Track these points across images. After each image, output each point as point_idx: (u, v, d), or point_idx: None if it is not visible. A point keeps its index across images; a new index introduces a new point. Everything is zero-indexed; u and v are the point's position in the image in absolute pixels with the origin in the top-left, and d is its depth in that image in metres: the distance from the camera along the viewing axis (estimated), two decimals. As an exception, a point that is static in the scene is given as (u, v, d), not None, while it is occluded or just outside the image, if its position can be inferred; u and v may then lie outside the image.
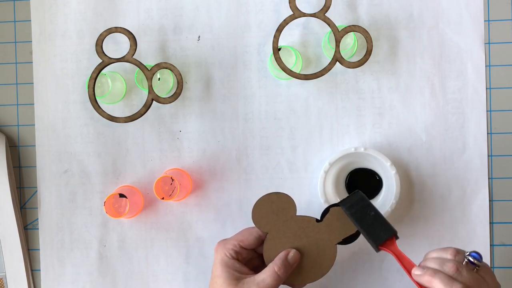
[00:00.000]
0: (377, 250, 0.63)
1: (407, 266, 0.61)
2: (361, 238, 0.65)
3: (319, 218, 0.67)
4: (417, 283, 0.59)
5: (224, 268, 0.65)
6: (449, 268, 0.58)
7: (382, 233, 0.62)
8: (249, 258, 0.68)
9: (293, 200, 0.67)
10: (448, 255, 0.60)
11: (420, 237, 0.75)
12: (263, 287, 0.63)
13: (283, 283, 0.66)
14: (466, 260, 0.59)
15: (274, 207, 0.67)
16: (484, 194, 0.75)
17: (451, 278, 0.57)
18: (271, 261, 0.65)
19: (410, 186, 0.75)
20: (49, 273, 0.78)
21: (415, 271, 0.59)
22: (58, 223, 0.78)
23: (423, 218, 0.75)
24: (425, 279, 0.58)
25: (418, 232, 0.75)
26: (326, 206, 0.68)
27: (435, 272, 0.58)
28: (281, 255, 0.65)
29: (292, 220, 0.66)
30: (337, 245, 0.66)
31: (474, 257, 0.59)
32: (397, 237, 0.63)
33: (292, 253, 0.66)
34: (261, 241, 0.67)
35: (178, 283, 0.77)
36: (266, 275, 0.64)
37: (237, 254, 0.66)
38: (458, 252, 0.60)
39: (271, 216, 0.66)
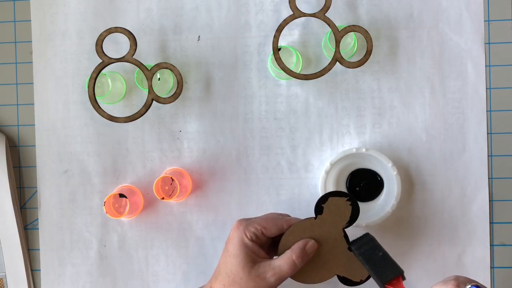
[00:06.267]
0: None
1: None
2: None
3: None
4: None
5: (243, 249, 0.64)
6: None
7: (388, 272, 0.62)
8: (264, 243, 0.66)
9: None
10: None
11: (420, 237, 0.75)
12: (279, 273, 0.63)
13: (293, 278, 0.66)
14: None
15: (340, 209, 0.67)
16: (484, 194, 0.75)
17: None
18: (283, 252, 0.65)
19: (410, 187, 0.75)
20: (49, 273, 0.78)
21: None
22: (58, 223, 0.78)
23: (423, 218, 0.75)
24: None
25: (418, 232, 0.75)
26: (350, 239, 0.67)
27: None
28: (300, 244, 0.65)
29: (335, 230, 0.67)
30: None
31: None
32: (403, 278, 0.62)
33: (311, 243, 0.65)
34: (282, 232, 0.66)
35: (178, 283, 0.77)
36: (283, 261, 0.63)
37: (257, 238, 0.65)
38: (459, 285, 0.58)
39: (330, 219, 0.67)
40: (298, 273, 0.66)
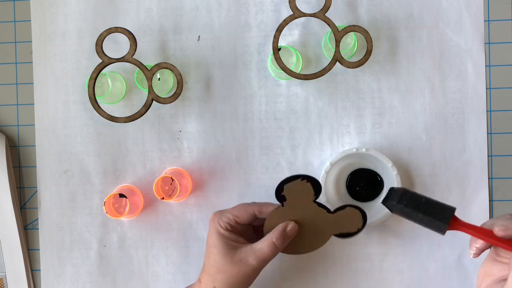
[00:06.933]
0: (444, 232, 0.61)
1: (483, 233, 0.59)
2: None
3: (331, 210, 0.68)
4: (502, 241, 0.57)
5: (220, 238, 0.66)
6: None
7: (442, 214, 0.60)
8: (244, 230, 0.69)
9: (313, 188, 0.67)
10: None
11: (420, 237, 0.75)
12: (260, 256, 0.65)
13: (294, 253, 0.68)
14: None
15: (299, 190, 0.68)
16: (484, 194, 0.75)
17: None
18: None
19: (411, 186, 0.75)
20: (49, 273, 0.78)
21: (499, 231, 0.57)
22: (58, 223, 0.78)
23: (423, 218, 0.75)
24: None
25: (418, 232, 0.75)
26: (327, 205, 0.68)
27: None
28: (280, 226, 0.67)
29: (308, 205, 0.68)
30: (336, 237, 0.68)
31: None
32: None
33: (291, 225, 0.67)
34: (255, 218, 0.68)
35: (178, 283, 0.77)
36: (264, 244, 0.66)
37: (231, 227, 0.67)
38: None
39: (295, 197, 0.67)
40: (294, 247, 0.67)
